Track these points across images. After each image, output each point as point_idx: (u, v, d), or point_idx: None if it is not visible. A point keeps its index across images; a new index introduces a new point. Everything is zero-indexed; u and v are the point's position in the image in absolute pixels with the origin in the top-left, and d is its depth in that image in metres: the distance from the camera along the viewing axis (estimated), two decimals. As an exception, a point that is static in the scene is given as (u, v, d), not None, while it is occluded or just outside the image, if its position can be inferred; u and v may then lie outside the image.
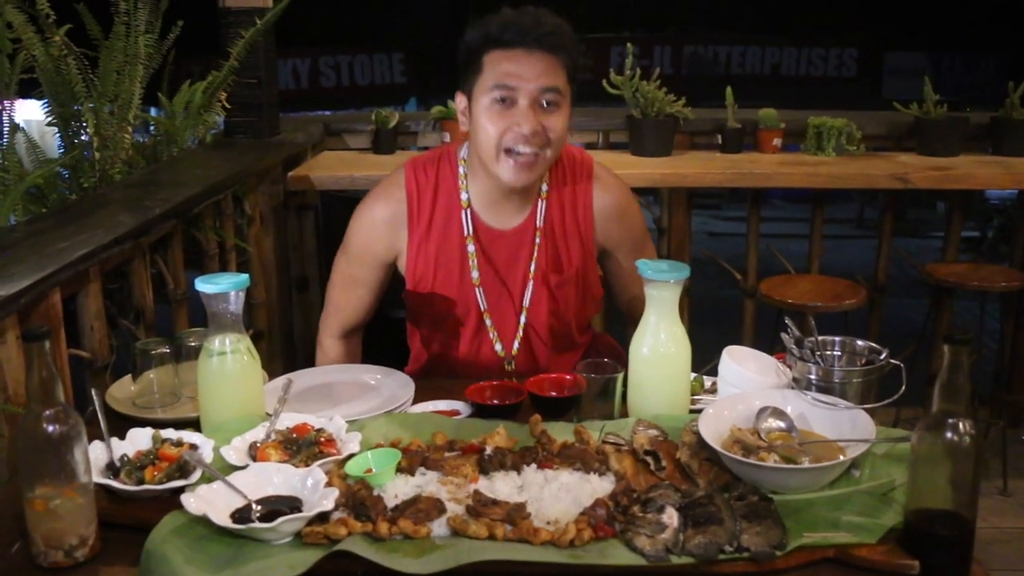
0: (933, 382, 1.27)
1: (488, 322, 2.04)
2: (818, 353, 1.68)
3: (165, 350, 1.84)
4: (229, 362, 1.60)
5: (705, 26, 14.25)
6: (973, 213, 12.07)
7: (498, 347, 2.06)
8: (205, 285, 1.57)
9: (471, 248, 2.00)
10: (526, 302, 2.03)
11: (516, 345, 2.06)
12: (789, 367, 1.66)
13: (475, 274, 2.01)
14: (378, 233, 2.04)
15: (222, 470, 1.44)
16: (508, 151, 1.86)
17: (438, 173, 2.02)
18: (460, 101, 1.95)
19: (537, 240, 2.01)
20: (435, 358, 2.15)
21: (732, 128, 3.76)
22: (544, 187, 2.01)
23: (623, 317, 2.22)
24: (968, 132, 3.76)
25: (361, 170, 3.39)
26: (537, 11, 1.87)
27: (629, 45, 3.63)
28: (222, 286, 1.57)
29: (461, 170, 2.00)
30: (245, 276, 1.61)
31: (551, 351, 2.09)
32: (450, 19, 14.17)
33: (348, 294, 2.12)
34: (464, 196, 1.99)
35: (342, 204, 3.41)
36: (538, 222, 2.01)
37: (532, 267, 2.02)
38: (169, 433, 1.56)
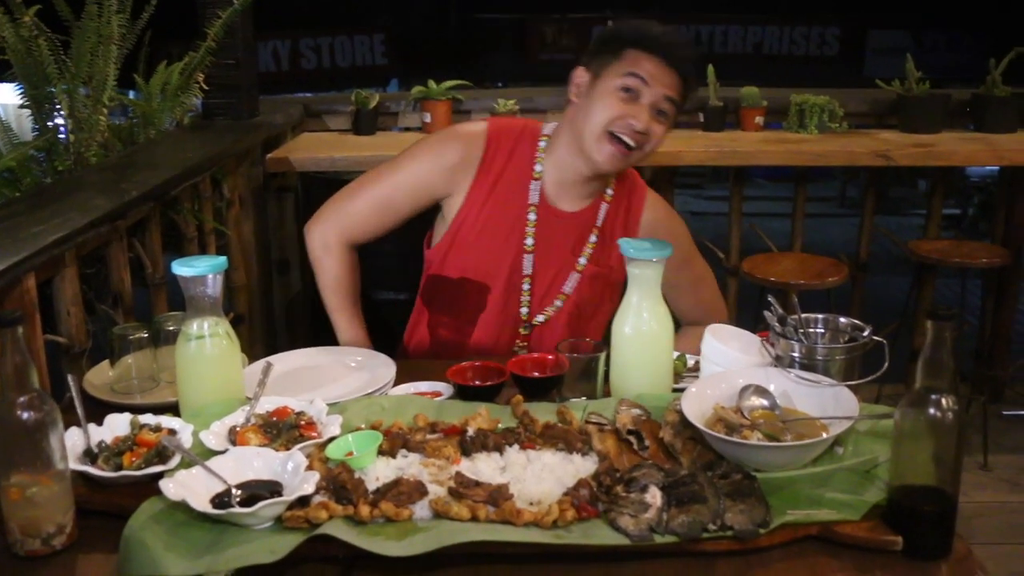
0: (915, 358, 1.27)
1: (526, 287, 2.10)
2: (801, 331, 1.67)
3: (143, 335, 1.82)
4: (207, 346, 1.58)
5: (687, 5, 14.20)
6: (954, 191, 12.13)
7: (524, 310, 2.11)
8: (182, 268, 1.55)
9: (532, 216, 2.08)
10: (567, 288, 2.12)
11: (541, 318, 2.13)
12: (772, 345, 1.66)
13: (529, 240, 2.08)
14: (444, 170, 2.08)
15: (201, 455, 1.42)
16: (612, 135, 1.96)
17: (517, 141, 2.10)
18: (581, 76, 2.03)
19: (593, 237, 2.12)
20: (451, 313, 2.14)
21: (714, 106, 3.75)
22: (609, 191, 2.13)
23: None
24: (950, 109, 3.77)
25: (341, 151, 3.36)
26: (683, 36, 2.04)
27: (609, 23, 3.60)
28: (199, 269, 1.55)
29: (542, 144, 2.09)
30: (223, 259, 1.59)
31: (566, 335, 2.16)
32: (431, 0, 14.07)
33: (374, 213, 2.10)
34: (539, 168, 2.08)
35: (322, 186, 3.38)
36: (598, 221, 2.12)
37: (583, 259, 2.12)
38: (148, 418, 1.54)
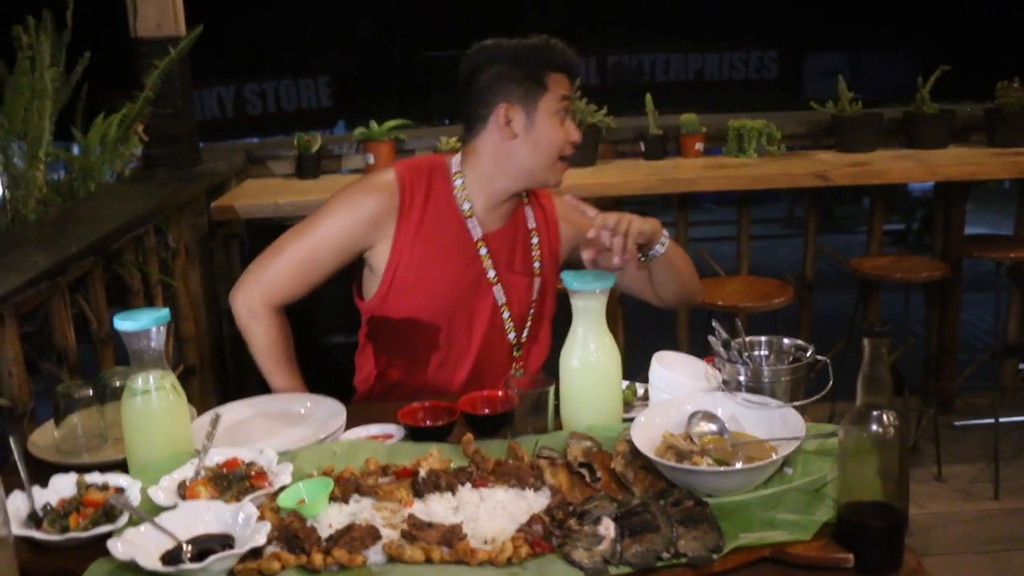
0: (864, 374, 1.29)
1: (505, 315, 2.15)
2: (746, 354, 1.69)
3: (87, 392, 1.79)
4: (153, 400, 1.57)
5: (628, 35, 14.40)
6: (897, 206, 12.36)
7: (511, 336, 2.17)
8: (124, 323, 1.53)
9: (483, 251, 2.11)
10: (535, 295, 2.18)
11: (526, 334, 2.19)
12: (719, 369, 1.68)
13: (491, 273, 2.12)
14: (363, 223, 2.06)
15: (150, 511, 1.40)
16: (562, 157, 2.07)
17: (430, 179, 2.11)
18: (512, 114, 2.04)
19: (535, 239, 2.18)
20: (405, 356, 2.14)
21: (654, 135, 3.80)
22: (523, 195, 2.18)
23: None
24: (883, 128, 3.86)
25: (285, 196, 3.35)
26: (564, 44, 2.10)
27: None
28: (141, 323, 1.54)
29: (458, 182, 2.11)
30: (165, 311, 1.58)
31: (549, 335, 2.25)
32: (374, 40, 14.12)
33: (297, 273, 2.08)
34: (466, 206, 2.10)
35: (268, 232, 3.36)
36: (530, 224, 2.18)
37: (537, 264, 2.18)
38: (94, 477, 1.51)
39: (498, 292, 2.13)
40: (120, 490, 1.48)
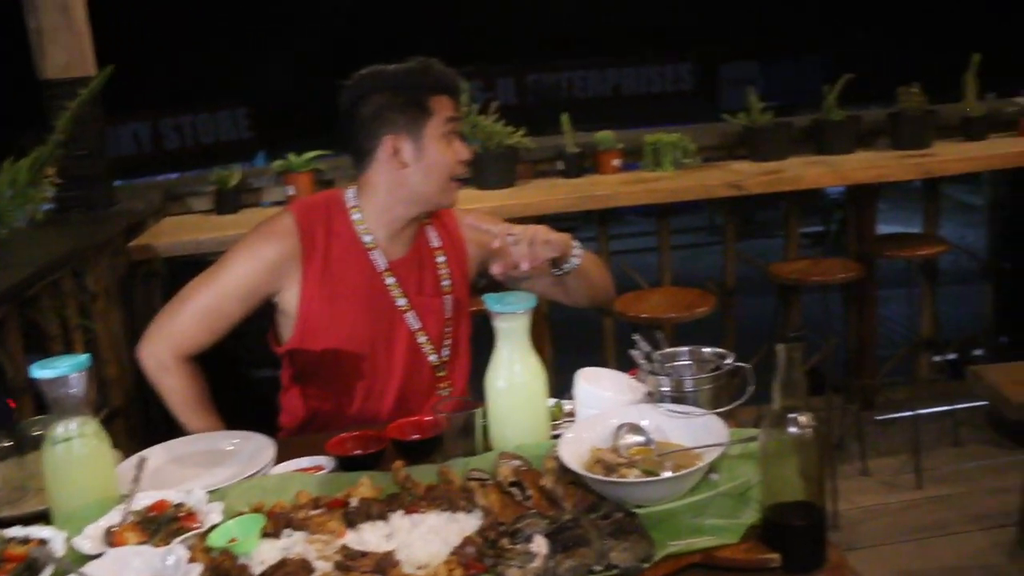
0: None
1: (423, 339, 2.13)
2: (668, 365, 1.73)
3: (6, 443, 1.75)
4: (75, 447, 1.53)
5: (545, 54, 14.52)
6: (816, 209, 12.67)
7: (432, 358, 2.15)
8: (41, 371, 1.51)
9: (390, 280, 2.10)
10: (448, 313, 2.17)
11: (446, 353, 2.18)
12: (642, 382, 1.71)
13: (402, 301, 2.11)
14: (266, 269, 2.05)
15: (76, 561, 1.38)
16: (454, 178, 2.07)
17: (327, 216, 2.09)
18: (399, 145, 2.03)
19: (441, 257, 2.18)
20: (347, 399, 2.13)
21: (571, 153, 3.85)
22: (423, 216, 2.16)
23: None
24: (793, 135, 3.97)
25: (205, 233, 3.33)
26: (444, 65, 2.08)
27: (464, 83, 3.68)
28: (59, 370, 1.51)
29: (356, 216, 2.09)
30: (84, 357, 1.55)
31: (469, 351, 2.25)
32: (292, 69, 14.02)
33: (203, 324, 2.06)
34: (368, 239, 2.09)
35: (190, 268, 3.33)
36: (433, 243, 2.18)
37: (446, 282, 2.17)
38: (15, 531, 1.48)
39: (411, 318, 2.12)
40: (43, 542, 1.44)
